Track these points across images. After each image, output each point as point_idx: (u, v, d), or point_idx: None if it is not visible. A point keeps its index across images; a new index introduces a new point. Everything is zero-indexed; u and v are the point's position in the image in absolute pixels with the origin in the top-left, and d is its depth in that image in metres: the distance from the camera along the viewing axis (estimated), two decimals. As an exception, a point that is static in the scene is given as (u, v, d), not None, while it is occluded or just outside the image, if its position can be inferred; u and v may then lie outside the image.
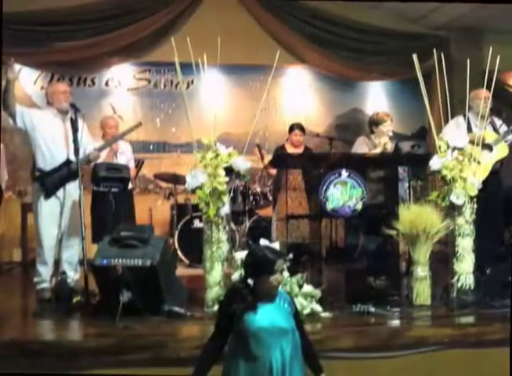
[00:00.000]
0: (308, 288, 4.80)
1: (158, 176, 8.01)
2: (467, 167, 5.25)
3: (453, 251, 5.27)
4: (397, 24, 8.74)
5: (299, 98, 9.00)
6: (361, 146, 6.13)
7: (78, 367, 4.04)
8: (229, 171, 5.00)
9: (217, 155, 4.97)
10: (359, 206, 5.34)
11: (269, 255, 3.16)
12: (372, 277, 5.33)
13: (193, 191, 5.07)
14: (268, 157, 7.06)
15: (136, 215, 6.83)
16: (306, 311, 4.66)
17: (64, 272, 5.37)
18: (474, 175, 5.28)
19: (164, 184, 8.28)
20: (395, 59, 8.62)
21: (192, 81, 8.03)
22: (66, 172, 5.39)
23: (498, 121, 6.16)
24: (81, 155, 5.31)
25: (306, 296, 4.76)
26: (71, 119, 5.31)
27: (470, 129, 5.91)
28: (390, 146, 6.02)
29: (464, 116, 5.94)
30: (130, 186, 6.50)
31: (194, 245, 6.29)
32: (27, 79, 8.05)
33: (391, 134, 6.15)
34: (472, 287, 5.21)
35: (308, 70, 9.00)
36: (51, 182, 5.40)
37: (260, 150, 7.30)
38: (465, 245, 5.23)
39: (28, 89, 8.15)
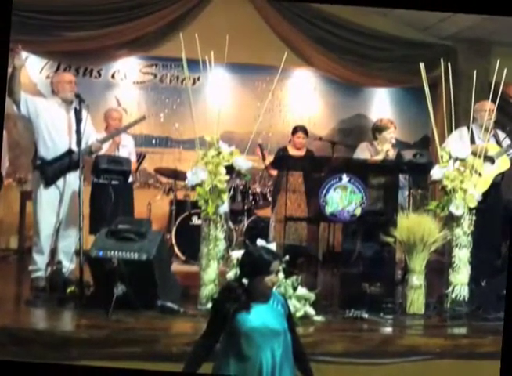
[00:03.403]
0: (302, 291, 4.80)
1: (159, 171, 8.00)
2: (468, 178, 5.24)
3: (449, 262, 5.27)
4: (405, 32, 8.72)
5: (304, 100, 8.97)
6: (363, 152, 6.14)
7: (69, 358, 4.03)
8: (230, 169, 5.00)
9: (219, 153, 4.98)
10: (358, 211, 5.33)
11: (265, 256, 3.16)
12: (367, 283, 5.32)
13: (193, 188, 5.07)
14: (269, 158, 7.05)
15: (135, 209, 6.82)
16: (299, 313, 4.66)
17: (60, 262, 5.37)
18: (475, 187, 5.27)
19: (164, 179, 8.27)
20: (401, 66, 8.59)
21: (199, 78, 8.02)
22: (67, 162, 5.39)
23: (501, 134, 6.15)
24: (83, 146, 5.32)
25: (300, 299, 4.76)
26: (75, 109, 5.31)
27: (473, 141, 5.89)
28: (392, 154, 6.02)
29: (468, 127, 5.93)
30: (130, 179, 6.50)
31: (191, 242, 6.31)
32: (33, 67, 8.04)
33: (393, 141, 6.16)
34: (466, 299, 5.20)
35: (313, 73, 8.97)
36: (51, 171, 5.39)
37: (261, 150, 7.29)
38: (462, 256, 5.23)
39: (34, 77, 8.14)
